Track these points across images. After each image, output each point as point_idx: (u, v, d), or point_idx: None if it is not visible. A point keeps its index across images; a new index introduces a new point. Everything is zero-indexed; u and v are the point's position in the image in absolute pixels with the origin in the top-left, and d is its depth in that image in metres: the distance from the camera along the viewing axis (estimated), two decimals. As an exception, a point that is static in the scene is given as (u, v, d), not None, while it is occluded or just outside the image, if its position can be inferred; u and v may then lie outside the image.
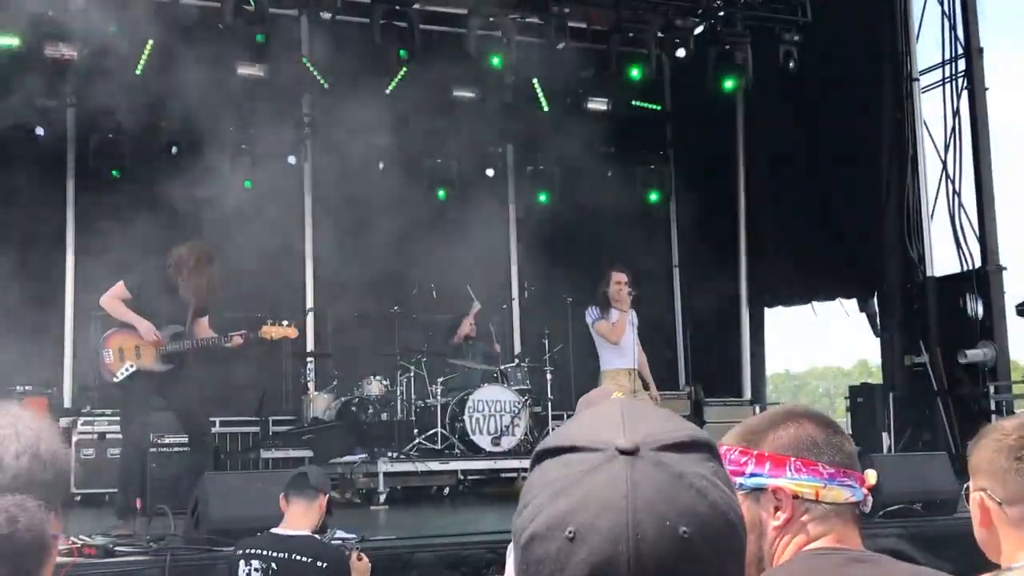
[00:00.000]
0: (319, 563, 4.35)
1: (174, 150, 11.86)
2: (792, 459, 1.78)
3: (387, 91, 12.40)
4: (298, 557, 4.35)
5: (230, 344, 7.20)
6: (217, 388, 11.77)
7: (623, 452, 0.92)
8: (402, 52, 10.34)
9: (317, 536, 4.62)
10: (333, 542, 4.75)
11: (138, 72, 11.36)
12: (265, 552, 4.38)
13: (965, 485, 2.19)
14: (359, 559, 4.62)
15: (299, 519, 4.55)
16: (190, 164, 12.19)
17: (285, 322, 7.41)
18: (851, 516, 1.77)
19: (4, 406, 1.48)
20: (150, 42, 11.15)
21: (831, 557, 1.73)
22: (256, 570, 4.35)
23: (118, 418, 9.95)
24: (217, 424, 11.51)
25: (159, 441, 9.21)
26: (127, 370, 7.00)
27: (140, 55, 11.32)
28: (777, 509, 1.77)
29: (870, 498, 1.78)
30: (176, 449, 9.29)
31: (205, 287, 7.20)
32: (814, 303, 12.82)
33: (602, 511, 0.89)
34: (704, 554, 0.89)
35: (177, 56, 11.76)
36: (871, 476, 1.79)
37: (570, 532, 0.89)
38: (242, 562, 4.40)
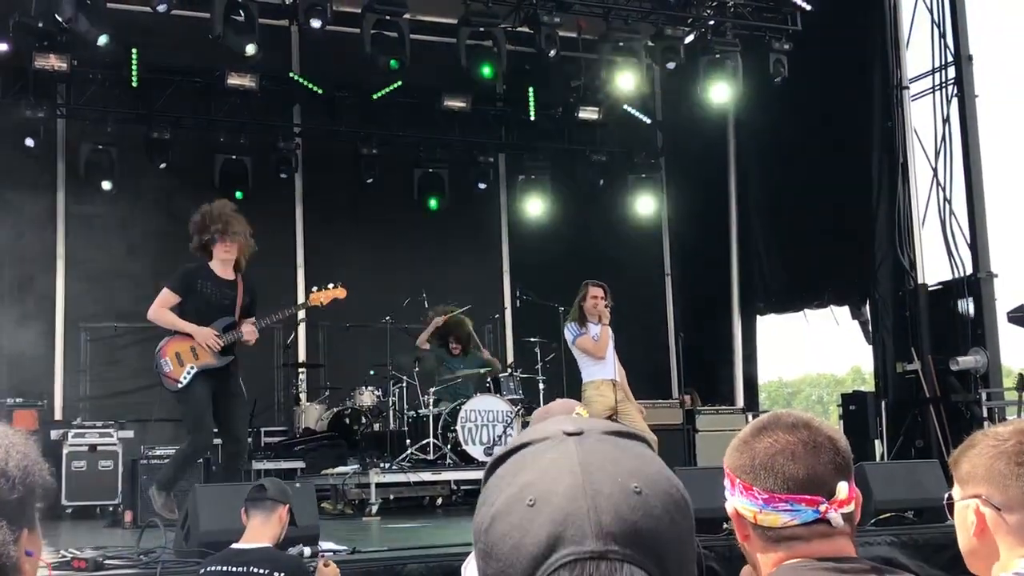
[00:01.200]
0: (276, 574, 4.29)
1: (165, 161, 11.84)
2: (738, 480, 1.80)
3: (376, 99, 12.41)
4: (255, 570, 4.29)
5: (280, 318, 7.21)
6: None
7: (570, 434, 0.97)
8: (393, 62, 10.32)
9: (273, 548, 4.55)
10: (287, 551, 4.68)
11: (134, 84, 11.38)
12: (224, 568, 4.32)
13: (947, 494, 2.17)
14: (326, 565, 4.58)
15: (258, 532, 4.49)
16: (180, 176, 12.20)
17: (331, 285, 7.36)
18: (819, 532, 1.76)
19: None
20: (135, 51, 11.15)
21: (810, 570, 1.73)
22: None
23: (110, 429, 9.98)
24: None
25: (150, 453, 9.17)
26: (189, 373, 6.97)
27: (130, 66, 11.33)
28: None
29: (836, 515, 1.76)
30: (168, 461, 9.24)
31: (243, 234, 7.09)
32: (806, 311, 12.84)
33: (558, 476, 0.93)
34: (656, 509, 0.93)
35: (167, 67, 11.80)
36: (841, 491, 1.77)
37: (531, 500, 0.92)
38: None
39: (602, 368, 8.47)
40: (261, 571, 4.29)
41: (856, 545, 1.82)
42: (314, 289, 7.47)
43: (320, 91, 12.35)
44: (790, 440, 1.79)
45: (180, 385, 6.99)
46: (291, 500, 4.70)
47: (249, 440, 11.53)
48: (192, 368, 6.98)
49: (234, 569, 4.30)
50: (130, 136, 11.86)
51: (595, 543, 0.89)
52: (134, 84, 11.41)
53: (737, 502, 1.82)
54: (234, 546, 4.50)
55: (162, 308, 7.09)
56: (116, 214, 12.05)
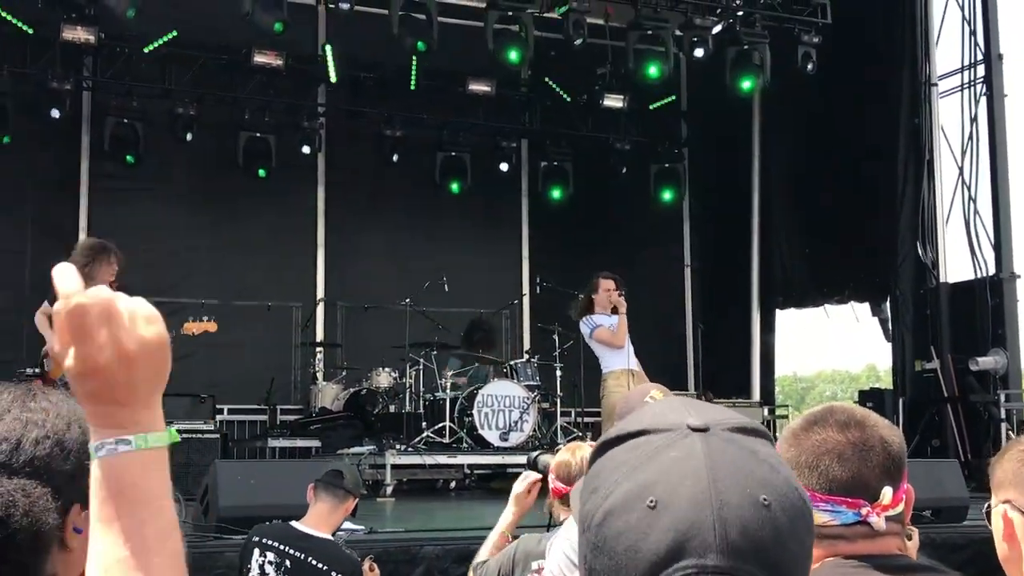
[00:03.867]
0: (334, 573, 4.19)
1: (188, 136, 11.86)
2: None
3: (401, 80, 12.40)
4: (313, 561, 4.19)
5: None
6: (225, 376, 11.84)
7: (695, 430, 0.93)
8: (420, 44, 10.30)
9: (336, 541, 4.45)
10: (346, 549, 4.62)
11: (160, 59, 11.38)
12: (282, 547, 4.23)
13: (987, 503, 2.16)
14: (371, 569, 4.48)
15: (323, 519, 4.37)
16: (204, 152, 12.22)
17: (205, 317, 7.53)
18: (862, 532, 1.74)
19: (49, 392, 1.45)
20: (174, 32, 11.16)
21: (852, 568, 1.72)
22: (271, 563, 4.21)
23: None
24: (225, 412, 11.56)
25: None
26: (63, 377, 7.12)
27: (158, 41, 11.34)
28: None
29: (878, 519, 1.74)
30: (184, 436, 9.31)
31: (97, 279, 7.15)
32: (826, 306, 12.79)
33: (683, 479, 0.89)
34: (783, 523, 0.89)
35: (195, 44, 11.82)
36: (886, 496, 1.75)
37: (651, 501, 0.88)
38: (256, 550, 4.25)
39: (620, 357, 8.44)
40: (320, 566, 4.19)
41: (905, 541, 1.80)
42: (190, 319, 7.54)
43: (342, 73, 12.32)
44: (840, 440, 1.77)
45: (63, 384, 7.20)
46: (362, 495, 4.61)
47: (265, 418, 11.68)
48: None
49: (292, 552, 4.21)
50: (155, 111, 11.87)
51: (719, 558, 0.86)
52: (159, 58, 11.41)
53: None
54: (296, 526, 4.35)
55: (42, 317, 7.25)
56: (139, 188, 12.08)
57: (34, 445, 1.36)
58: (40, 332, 7.25)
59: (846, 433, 1.78)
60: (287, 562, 4.21)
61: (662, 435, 0.93)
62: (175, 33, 11.46)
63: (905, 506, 1.80)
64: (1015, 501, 2.02)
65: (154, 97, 11.88)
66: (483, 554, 3.24)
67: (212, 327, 7.53)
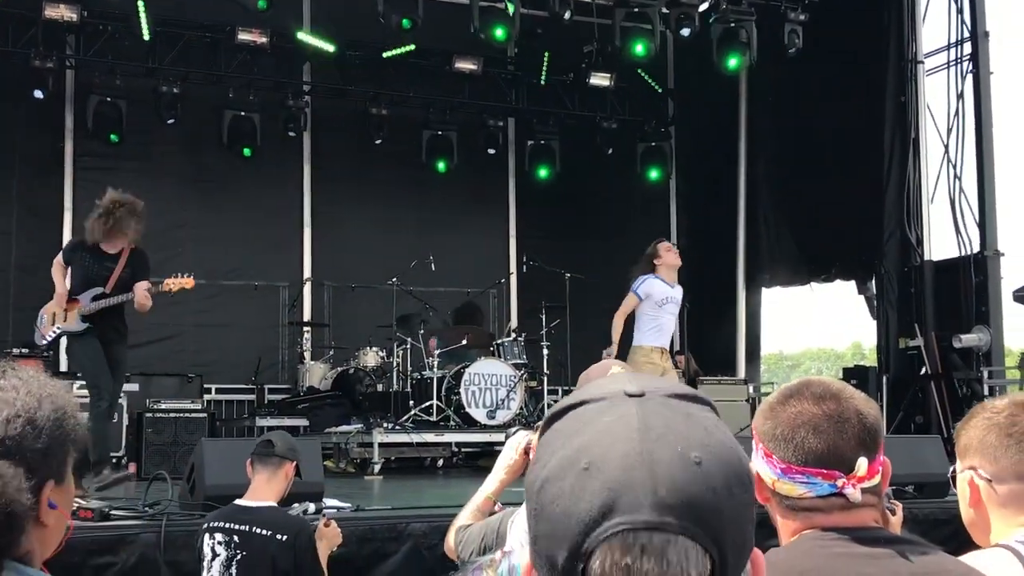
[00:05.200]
0: (279, 536, 4.25)
1: (173, 116, 11.80)
2: (761, 445, 1.80)
3: (386, 57, 12.33)
4: (258, 530, 4.25)
5: (136, 303, 7.14)
6: (213, 355, 11.84)
7: (631, 395, 0.94)
8: (405, 22, 10.25)
9: (278, 507, 4.51)
10: (290, 512, 4.63)
11: (145, 37, 11.29)
12: (227, 525, 4.29)
13: (952, 467, 2.19)
14: (326, 525, 4.55)
15: (263, 489, 4.44)
16: (189, 130, 12.17)
17: (184, 274, 7.57)
18: (839, 504, 1.76)
19: (21, 370, 1.45)
20: (141, 3, 11.04)
21: (829, 540, 1.74)
22: (219, 543, 4.26)
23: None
24: (212, 391, 11.55)
25: (155, 406, 9.23)
26: (54, 332, 7.36)
27: (139, 18, 11.26)
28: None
29: (853, 491, 1.75)
30: (172, 415, 9.31)
31: (110, 232, 7.18)
32: (812, 284, 12.83)
33: (615, 441, 0.90)
34: (717, 482, 0.89)
35: (178, 22, 11.74)
36: (861, 467, 1.76)
37: (585, 464, 0.89)
38: (206, 535, 4.32)
39: (656, 334, 8.25)
40: (264, 532, 4.25)
41: (884, 514, 1.82)
42: (174, 275, 7.56)
43: (331, 49, 12.26)
44: (815, 412, 1.78)
45: (45, 341, 7.49)
46: (299, 457, 4.69)
47: (253, 397, 11.68)
48: (57, 329, 7.32)
49: (236, 527, 4.27)
50: (139, 89, 11.82)
51: (650, 514, 0.87)
52: (145, 37, 11.34)
53: (759, 465, 1.82)
54: (238, 502, 4.45)
55: (56, 266, 7.44)
56: (123, 167, 12.02)
57: (4, 425, 1.36)
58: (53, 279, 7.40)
59: (822, 405, 1.79)
60: (235, 537, 4.26)
61: (599, 403, 0.94)
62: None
63: (882, 478, 1.81)
64: (980, 468, 2.05)
65: (138, 75, 11.81)
66: (466, 517, 3.20)
67: (189, 283, 7.57)
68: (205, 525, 4.39)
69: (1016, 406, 2.05)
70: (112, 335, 7.32)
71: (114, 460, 9.54)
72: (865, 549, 1.71)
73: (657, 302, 8.20)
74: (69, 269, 7.36)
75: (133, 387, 10.18)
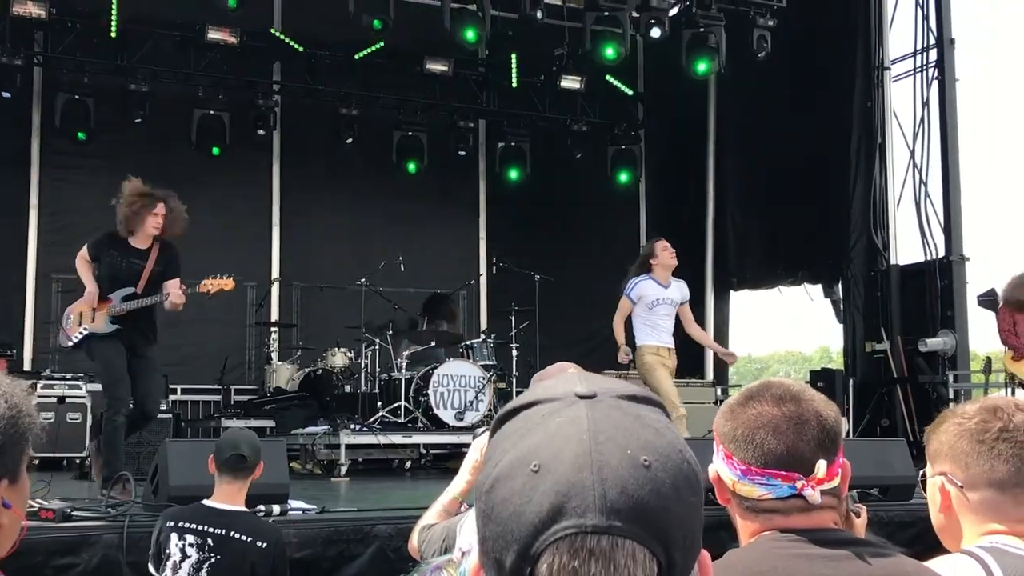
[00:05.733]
0: (259, 542, 4.19)
1: (141, 115, 11.70)
2: (721, 446, 1.81)
3: (357, 59, 12.29)
4: (236, 535, 4.18)
5: (168, 301, 6.82)
6: (179, 355, 11.73)
7: (582, 397, 0.94)
8: (376, 22, 10.22)
9: (254, 513, 4.45)
10: (267, 520, 4.54)
11: (113, 34, 11.19)
12: (201, 527, 4.20)
13: (921, 471, 2.19)
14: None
15: (236, 495, 4.36)
16: (157, 129, 12.07)
17: (224, 275, 7.28)
18: (798, 506, 1.76)
19: None
20: (115, 1, 10.95)
21: (788, 541, 1.74)
22: (191, 545, 4.17)
23: (79, 382, 9.95)
24: (178, 392, 11.46)
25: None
26: (81, 333, 6.90)
27: (109, 16, 11.16)
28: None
29: (812, 492, 1.75)
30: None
31: (142, 221, 6.93)
32: (780, 287, 12.91)
33: (566, 443, 0.90)
34: (665, 484, 0.89)
35: (148, 19, 11.65)
36: (820, 469, 1.77)
37: (535, 466, 0.89)
38: (175, 535, 4.21)
39: (653, 332, 8.15)
40: (243, 538, 4.19)
41: (843, 517, 1.83)
42: (210, 276, 7.32)
43: (301, 48, 12.21)
44: (775, 414, 1.78)
45: (70, 343, 6.97)
46: (262, 456, 4.63)
47: (219, 398, 11.59)
48: (85, 329, 6.89)
49: (211, 530, 4.19)
50: (107, 87, 11.70)
51: (598, 517, 0.87)
52: (113, 35, 11.24)
53: (719, 466, 1.83)
54: (210, 504, 4.33)
55: (81, 261, 7.08)
56: (91, 165, 11.92)
57: None
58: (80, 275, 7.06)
59: (781, 407, 1.79)
60: (209, 540, 4.18)
61: (550, 404, 0.94)
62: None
63: (841, 480, 1.82)
64: (951, 474, 2.05)
65: (106, 73, 11.70)
66: (431, 517, 3.19)
67: (229, 284, 7.23)
68: (171, 523, 4.27)
69: (986, 412, 2.04)
70: (140, 340, 6.92)
71: (78, 461, 9.49)
72: (823, 551, 1.72)
73: (648, 304, 8.24)
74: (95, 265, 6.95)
75: (97, 387, 10.09)
